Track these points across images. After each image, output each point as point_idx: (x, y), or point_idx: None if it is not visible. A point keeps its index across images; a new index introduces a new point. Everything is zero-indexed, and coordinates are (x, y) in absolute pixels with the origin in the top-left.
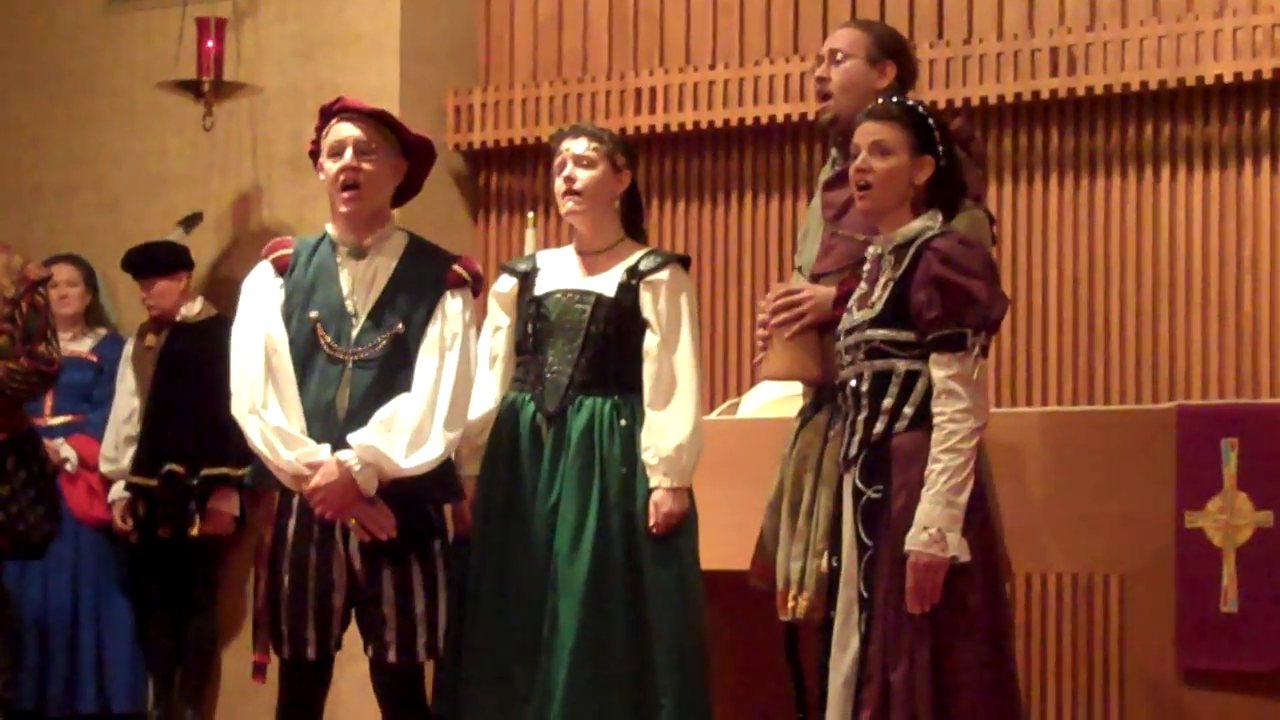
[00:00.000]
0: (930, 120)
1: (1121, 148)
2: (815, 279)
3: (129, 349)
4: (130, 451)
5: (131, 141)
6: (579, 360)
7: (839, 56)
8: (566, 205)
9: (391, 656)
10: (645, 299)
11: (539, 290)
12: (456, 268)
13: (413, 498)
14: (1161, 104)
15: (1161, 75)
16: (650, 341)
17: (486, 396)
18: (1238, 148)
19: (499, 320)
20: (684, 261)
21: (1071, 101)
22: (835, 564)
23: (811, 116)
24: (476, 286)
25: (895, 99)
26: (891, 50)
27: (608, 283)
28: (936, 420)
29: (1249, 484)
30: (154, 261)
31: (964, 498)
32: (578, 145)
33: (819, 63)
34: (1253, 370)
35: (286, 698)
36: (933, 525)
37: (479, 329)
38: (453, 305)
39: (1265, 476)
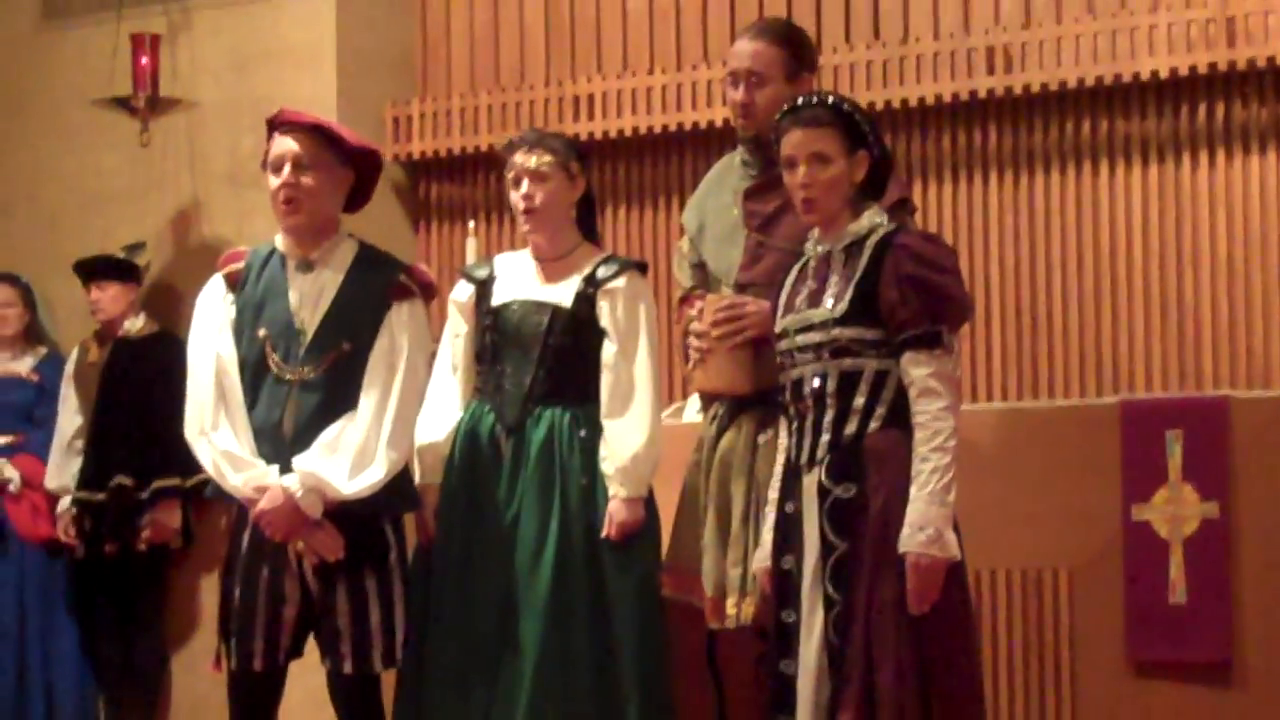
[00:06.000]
0: (857, 115)
1: (1060, 145)
2: (741, 288)
3: (70, 366)
4: (75, 468)
5: (68, 159)
6: (537, 372)
7: (756, 79)
8: (525, 225)
9: (347, 668)
10: (603, 308)
11: (496, 300)
12: (403, 279)
13: (367, 514)
14: (1098, 100)
15: (1098, 72)
16: (608, 351)
17: (451, 406)
18: (1175, 142)
19: (458, 328)
20: (641, 268)
21: (1009, 100)
22: (787, 566)
23: None
24: (428, 295)
25: (818, 100)
26: (806, 60)
27: (565, 293)
28: (920, 419)
29: (1194, 476)
30: (108, 266)
31: (953, 496)
32: (531, 160)
33: (733, 80)
34: (1195, 363)
35: (236, 710)
36: (930, 525)
37: (437, 336)
38: (399, 319)
39: (1210, 468)
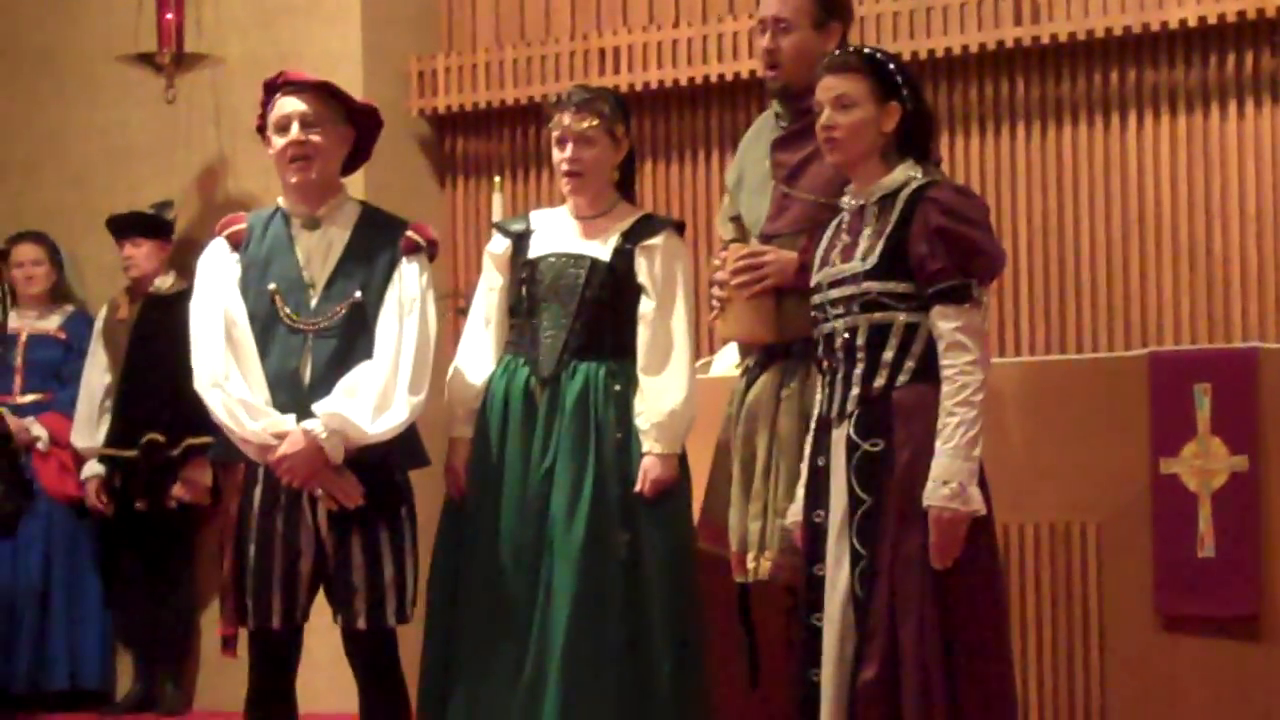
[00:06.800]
0: (891, 65)
1: (1087, 95)
2: (767, 239)
3: (99, 323)
4: (104, 426)
5: (95, 116)
6: (574, 325)
7: (784, 26)
8: (568, 184)
9: (361, 624)
10: (640, 264)
11: (533, 253)
12: (411, 234)
13: (379, 466)
14: (1126, 50)
15: (1125, 21)
16: (645, 306)
17: (483, 359)
18: (1204, 92)
19: (492, 281)
20: (679, 227)
21: (1036, 50)
22: (818, 519)
23: None
24: (432, 252)
25: (853, 49)
26: (834, 8)
27: (603, 247)
28: (947, 373)
29: (1223, 429)
30: (142, 223)
31: (979, 451)
32: (579, 123)
33: (761, 28)
34: (1224, 315)
35: (257, 669)
36: (953, 479)
37: (443, 292)
38: (409, 270)
39: (1239, 421)
